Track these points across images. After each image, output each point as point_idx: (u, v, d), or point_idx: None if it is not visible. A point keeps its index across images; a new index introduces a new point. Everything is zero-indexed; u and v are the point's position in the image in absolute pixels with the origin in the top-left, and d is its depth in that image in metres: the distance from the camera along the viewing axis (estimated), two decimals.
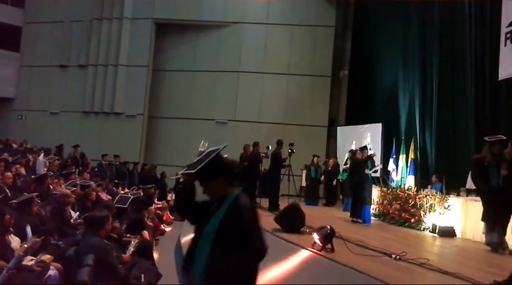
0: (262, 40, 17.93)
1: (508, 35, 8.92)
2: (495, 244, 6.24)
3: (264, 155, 10.74)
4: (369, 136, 14.52)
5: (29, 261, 4.31)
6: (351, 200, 10.00)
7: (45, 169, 10.43)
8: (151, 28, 18.44)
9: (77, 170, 11.58)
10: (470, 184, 8.76)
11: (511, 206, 6.22)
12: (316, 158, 13.62)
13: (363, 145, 10.51)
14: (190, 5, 18.17)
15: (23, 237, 5.01)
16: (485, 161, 6.50)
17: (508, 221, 6.25)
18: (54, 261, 4.49)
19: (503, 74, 9.09)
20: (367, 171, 9.25)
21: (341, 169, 13.02)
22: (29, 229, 5.26)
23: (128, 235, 6.43)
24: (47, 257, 4.38)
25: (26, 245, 4.32)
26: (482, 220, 6.60)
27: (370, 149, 10.33)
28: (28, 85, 19.48)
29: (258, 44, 17.90)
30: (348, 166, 11.60)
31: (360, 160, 9.53)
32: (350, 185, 10.11)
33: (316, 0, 17.70)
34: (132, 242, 5.82)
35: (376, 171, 11.01)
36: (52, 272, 4.34)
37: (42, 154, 12.56)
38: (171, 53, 18.90)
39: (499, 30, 9.30)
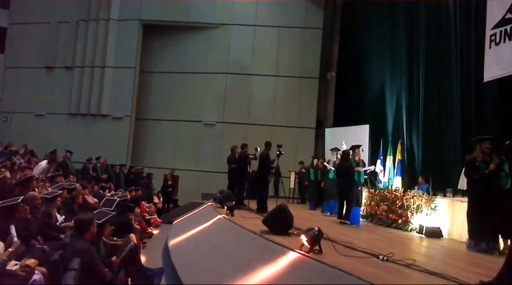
0: (250, 42, 17.96)
1: (493, 38, 9.02)
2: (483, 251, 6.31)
3: (252, 157, 10.73)
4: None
5: (13, 266, 4.25)
6: (336, 202, 9.94)
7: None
8: (138, 29, 18.37)
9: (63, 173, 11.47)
10: (462, 184, 8.84)
11: (496, 205, 6.27)
12: (315, 160, 13.31)
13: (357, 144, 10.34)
14: (178, 7, 18.14)
15: (7, 239, 4.93)
16: (477, 161, 6.59)
17: (495, 225, 6.29)
18: (39, 266, 4.42)
19: (488, 76, 9.19)
20: (359, 169, 9.19)
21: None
22: (13, 229, 5.16)
23: (115, 238, 6.37)
24: (31, 262, 4.31)
25: (10, 250, 4.26)
26: (469, 235, 6.69)
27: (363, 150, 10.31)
28: (13, 87, 19.26)
29: (246, 46, 17.93)
30: (330, 166, 11.44)
31: (347, 162, 9.54)
32: (337, 187, 10.06)
33: (304, 2, 17.78)
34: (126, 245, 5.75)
35: (372, 172, 11.00)
36: (37, 276, 4.28)
37: (46, 161, 12.40)
38: (158, 55, 18.83)
39: (484, 33, 9.41)
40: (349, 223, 9.07)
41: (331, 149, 11.79)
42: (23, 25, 19.35)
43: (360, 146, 9.93)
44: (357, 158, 9.43)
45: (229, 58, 18.03)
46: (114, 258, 5.27)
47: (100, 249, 5.10)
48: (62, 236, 6.04)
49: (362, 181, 9.55)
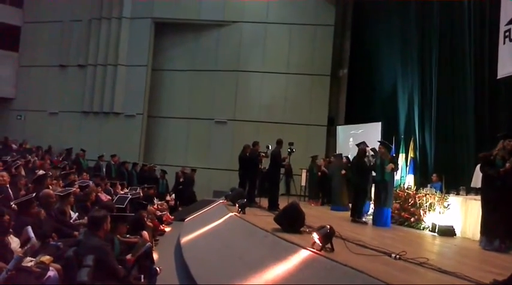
0: (262, 39, 17.92)
1: (507, 33, 8.93)
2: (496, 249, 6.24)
3: (263, 155, 10.73)
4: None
5: (28, 262, 4.31)
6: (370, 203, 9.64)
7: None
8: (150, 27, 18.43)
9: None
10: (475, 182, 8.75)
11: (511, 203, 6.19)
12: (345, 158, 12.71)
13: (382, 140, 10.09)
14: (190, 5, 18.16)
15: (23, 239, 4.99)
16: (492, 156, 6.52)
17: (509, 223, 6.21)
18: (54, 262, 4.48)
19: (501, 72, 9.10)
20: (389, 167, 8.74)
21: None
22: (30, 231, 5.20)
23: (128, 235, 6.42)
24: (46, 258, 4.37)
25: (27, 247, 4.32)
26: (481, 232, 6.62)
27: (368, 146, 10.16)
28: (27, 85, 19.46)
29: (257, 43, 17.90)
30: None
31: (361, 160, 9.53)
32: (352, 184, 10.02)
33: None
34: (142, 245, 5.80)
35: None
36: (52, 273, 4.34)
37: None
38: (170, 53, 18.89)
39: (497, 28, 9.30)
40: (361, 221, 9.04)
41: (357, 144, 11.35)
42: (36, 24, 19.53)
43: (384, 142, 9.60)
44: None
45: (240, 56, 18.02)
46: (129, 256, 5.32)
47: (115, 247, 5.15)
48: (76, 233, 6.10)
49: (387, 178, 8.79)
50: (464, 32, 11.34)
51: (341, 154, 13.17)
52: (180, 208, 15.27)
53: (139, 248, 5.56)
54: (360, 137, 13.31)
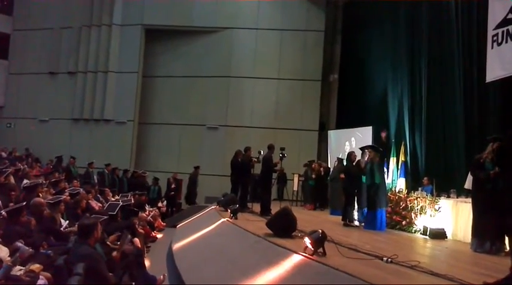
0: (253, 45, 17.96)
1: (495, 38, 9.02)
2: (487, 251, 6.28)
3: (255, 160, 10.74)
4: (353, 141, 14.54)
5: (18, 271, 4.27)
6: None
7: None
8: (140, 34, 18.41)
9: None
10: (469, 184, 8.80)
11: (501, 204, 6.23)
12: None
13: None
14: (180, 11, 18.16)
15: (12, 248, 4.94)
16: (482, 159, 6.58)
17: (499, 225, 6.25)
18: (44, 271, 4.45)
19: (490, 76, 9.19)
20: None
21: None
22: (21, 245, 5.14)
23: (118, 243, 6.37)
24: (36, 267, 4.34)
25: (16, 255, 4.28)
26: (472, 234, 6.66)
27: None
28: (17, 92, 19.33)
29: (248, 49, 17.93)
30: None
31: (349, 163, 9.59)
32: (343, 188, 10.06)
33: (306, 5, 17.78)
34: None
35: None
36: (41, 281, 4.30)
37: None
38: (161, 59, 18.86)
39: (485, 33, 9.41)
40: (353, 225, 9.07)
41: (360, 148, 11.14)
42: (26, 31, 19.43)
43: (373, 146, 9.66)
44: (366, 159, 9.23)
45: (231, 61, 18.04)
46: (114, 253, 5.28)
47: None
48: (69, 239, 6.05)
49: (378, 180, 8.77)
50: (453, 36, 11.47)
51: (342, 159, 13.15)
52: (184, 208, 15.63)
53: (122, 242, 5.53)
54: (359, 141, 13.34)
